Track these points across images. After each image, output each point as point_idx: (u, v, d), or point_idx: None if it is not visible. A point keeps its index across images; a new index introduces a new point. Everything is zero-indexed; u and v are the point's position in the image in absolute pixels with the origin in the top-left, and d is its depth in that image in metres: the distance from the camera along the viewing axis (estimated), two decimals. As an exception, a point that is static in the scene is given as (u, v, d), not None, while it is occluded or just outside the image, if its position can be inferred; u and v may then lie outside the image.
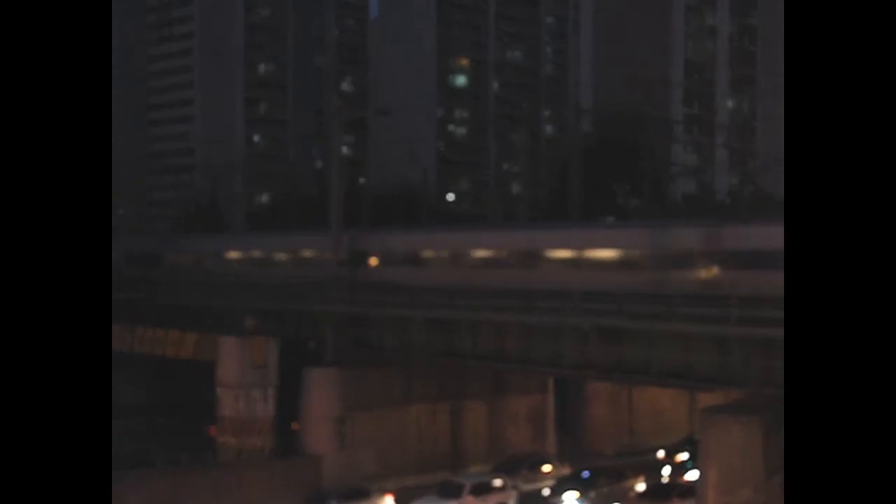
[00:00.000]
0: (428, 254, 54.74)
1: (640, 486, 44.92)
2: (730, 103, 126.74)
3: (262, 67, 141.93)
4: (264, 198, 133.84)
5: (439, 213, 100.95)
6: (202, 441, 50.81)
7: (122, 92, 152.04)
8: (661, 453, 52.80)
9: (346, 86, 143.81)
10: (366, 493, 44.38)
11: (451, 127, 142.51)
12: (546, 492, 46.91)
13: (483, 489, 44.15)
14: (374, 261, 56.31)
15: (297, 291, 53.65)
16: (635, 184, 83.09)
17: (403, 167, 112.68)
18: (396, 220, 75.64)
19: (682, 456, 51.39)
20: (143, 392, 62.62)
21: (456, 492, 43.67)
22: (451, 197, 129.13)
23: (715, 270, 41.88)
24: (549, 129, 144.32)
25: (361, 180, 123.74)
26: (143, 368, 61.96)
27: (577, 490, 45.02)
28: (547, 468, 49.68)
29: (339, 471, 47.82)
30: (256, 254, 67.54)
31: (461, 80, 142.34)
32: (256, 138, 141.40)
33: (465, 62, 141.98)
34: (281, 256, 64.92)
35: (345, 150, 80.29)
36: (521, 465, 48.51)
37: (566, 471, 49.02)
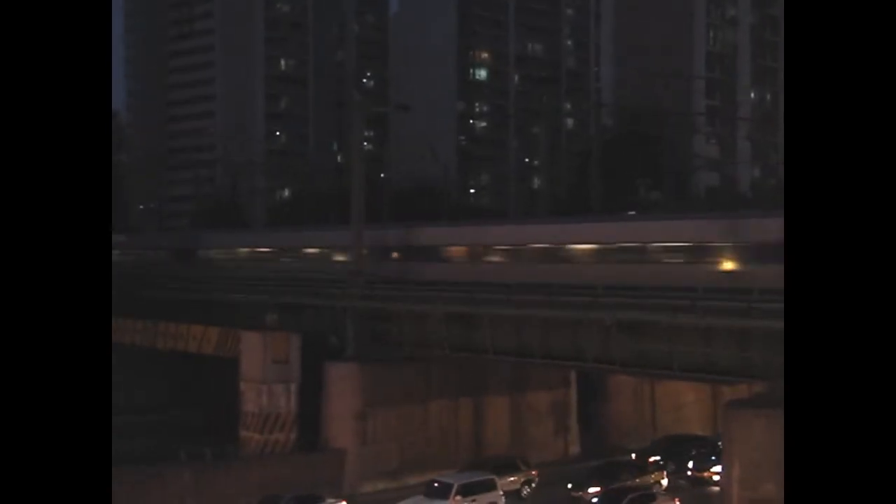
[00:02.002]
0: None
1: (594, 490, 44.13)
2: (752, 95, 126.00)
3: (282, 63, 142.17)
4: (285, 193, 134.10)
5: (461, 208, 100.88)
6: (226, 436, 50.96)
7: (142, 88, 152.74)
8: (632, 456, 51.41)
9: (366, 81, 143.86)
10: (319, 499, 42.88)
11: (471, 121, 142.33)
12: (525, 492, 46.76)
13: (471, 489, 43.01)
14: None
15: (318, 286, 53.81)
16: (657, 177, 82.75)
17: (424, 162, 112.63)
18: (417, 215, 75.58)
19: (653, 458, 50.15)
20: (166, 387, 62.89)
21: (443, 492, 42.59)
22: (473, 191, 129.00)
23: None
24: (569, 122, 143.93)
25: (382, 175, 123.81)
26: (166, 363, 62.24)
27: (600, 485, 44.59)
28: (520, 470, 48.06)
29: (360, 466, 47.91)
30: (284, 249, 67.64)
31: (481, 74, 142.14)
32: (277, 133, 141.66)
33: (485, 56, 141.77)
34: (308, 251, 65.05)
35: (365, 145, 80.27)
36: (488, 466, 46.67)
37: (532, 474, 47.85)
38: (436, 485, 43.41)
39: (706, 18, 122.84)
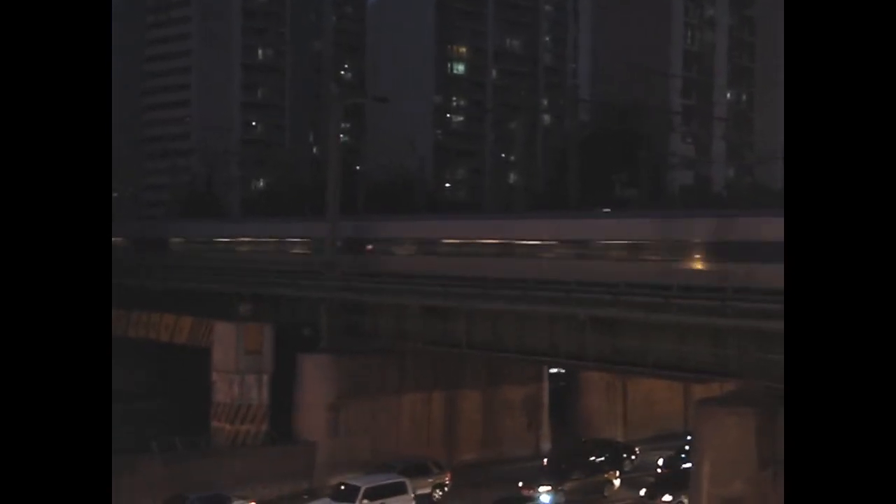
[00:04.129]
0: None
1: (544, 488, 43.71)
2: (728, 95, 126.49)
3: (259, 53, 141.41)
4: (261, 183, 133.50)
5: (436, 202, 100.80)
6: (197, 426, 50.72)
7: (118, 76, 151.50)
8: (544, 462, 50.25)
9: (344, 72, 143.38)
10: (227, 499, 41.97)
11: (448, 115, 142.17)
12: (437, 495, 45.86)
13: (379, 492, 42.02)
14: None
15: (292, 277, 53.63)
16: (633, 174, 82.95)
17: (400, 154, 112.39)
18: (393, 208, 75.48)
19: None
20: (137, 376, 62.50)
21: (350, 495, 41.51)
22: (448, 185, 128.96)
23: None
24: (546, 118, 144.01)
25: (358, 167, 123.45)
26: (138, 353, 61.85)
27: (551, 483, 44.39)
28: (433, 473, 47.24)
29: (332, 457, 47.82)
30: (260, 239, 67.37)
31: (459, 68, 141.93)
32: (253, 124, 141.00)
33: (463, 50, 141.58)
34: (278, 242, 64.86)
35: (342, 136, 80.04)
36: (397, 468, 45.68)
37: (445, 478, 46.95)
38: (342, 487, 42.33)
39: (684, 18, 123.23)
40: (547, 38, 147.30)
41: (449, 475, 47.26)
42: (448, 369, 51.66)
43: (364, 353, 49.55)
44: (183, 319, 57.54)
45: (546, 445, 55.64)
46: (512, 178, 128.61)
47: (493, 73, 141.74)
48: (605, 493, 46.57)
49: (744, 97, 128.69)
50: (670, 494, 43.34)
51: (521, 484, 44.73)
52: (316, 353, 49.89)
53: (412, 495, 43.27)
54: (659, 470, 49.28)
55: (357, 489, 41.77)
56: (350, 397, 48.81)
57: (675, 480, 44.16)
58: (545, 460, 49.14)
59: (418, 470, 46.29)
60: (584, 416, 58.68)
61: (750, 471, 35.23)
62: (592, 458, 48.69)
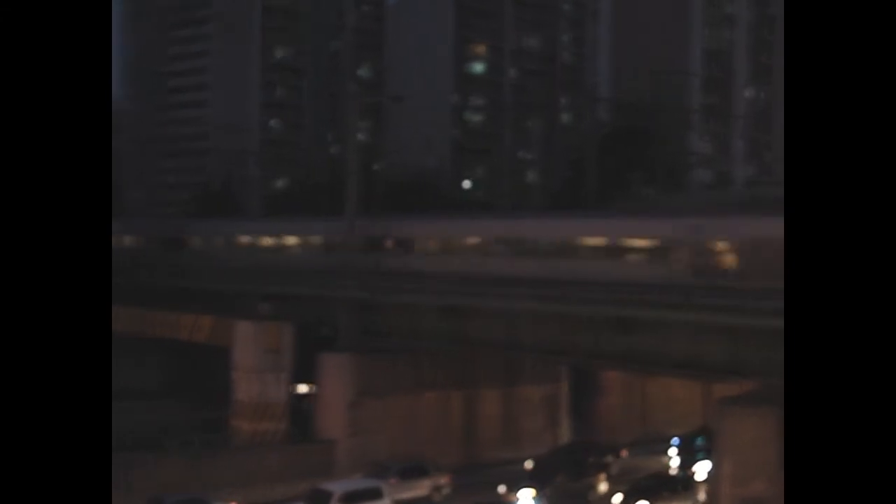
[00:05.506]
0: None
1: (526, 491, 42.80)
2: (748, 93, 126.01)
3: (278, 52, 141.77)
4: (279, 183, 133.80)
5: (454, 201, 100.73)
6: (216, 424, 50.88)
7: (137, 75, 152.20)
8: (527, 464, 48.54)
9: (362, 71, 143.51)
10: (205, 502, 41.27)
11: (466, 114, 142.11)
12: (437, 498, 45.23)
13: (354, 498, 40.95)
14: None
15: (311, 277, 53.74)
16: (651, 173, 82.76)
17: (419, 153, 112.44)
18: (411, 207, 75.50)
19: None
20: (156, 375, 62.76)
21: (323, 500, 40.63)
22: (467, 184, 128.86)
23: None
24: (565, 117, 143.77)
25: (376, 166, 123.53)
26: (158, 351, 62.12)
27: (534, 487, 43.68)
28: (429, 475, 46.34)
29: (350, 456, 47.90)
30: (277, 239, 67.53)
31: (478, 67, 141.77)
32: (272, 123, 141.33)
33: (481, 49, 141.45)
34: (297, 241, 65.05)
35: (360, 135, 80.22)
36: (390, 473, 44.67)
37: (444, 480, 46.26)
38: (316, 493, 41.43)
39: (703, 16, 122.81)
40: (565, 37, 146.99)
41: (448, 477, 46.48)
42: (466, 368, 51.67)
43: (383, 353, 49.62)
44: (203, 318, 57.74)
45: (565, 444, 55.48)
46: (530, 176, 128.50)
47: (512, 71, 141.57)
48: (589, 498, 45.59)
49: (763, 95, 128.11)
50: (532, 487, 42.66)
51: (502, 488, 43.92)
52: (335, 351, 49.97)
53: (389, 501, 42.19)
54: (672, 471, 48.99)
55: (330, 494, 40.82)
56: (369, 396, 48.88)
57: (652, 486, 43.10)
58: (529, 463, 47.65)
59: (416, 471, 45.65)
60: (603, 415, 58.58)
61: (770, 471, 35.09)
62: (579, 461, 47.51)
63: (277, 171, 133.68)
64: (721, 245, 40.06)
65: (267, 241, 67.63)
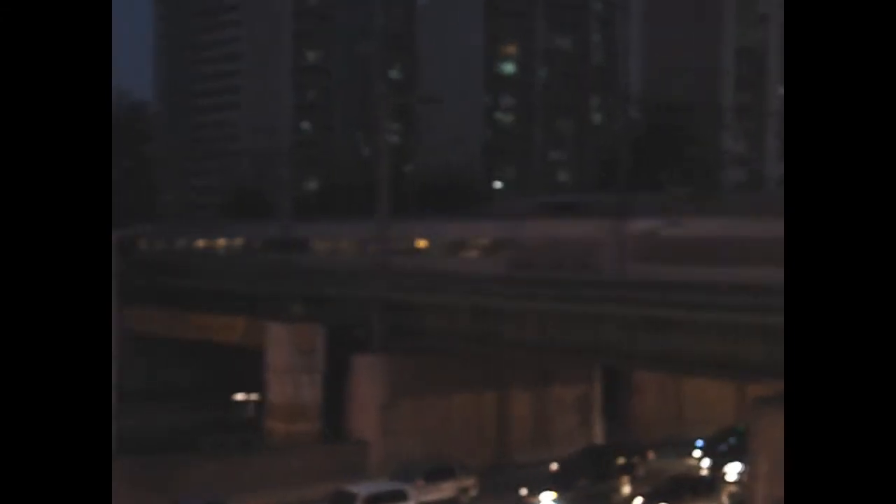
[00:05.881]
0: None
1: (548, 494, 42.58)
2: (781, 91, 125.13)
3: (309, 54, 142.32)
4: (311, 184, 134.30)
5: (484, 201, 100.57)
6: (250, 425, 51.16)
7: (169, 79, 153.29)
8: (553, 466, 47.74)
9: (392, 73, 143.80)
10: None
11: (497, 114, 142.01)
12: (463, 500, 44.95)
13: (378, 499, 40.79)
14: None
15: (343, 278, 53.91)
16: (684, 172, 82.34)
17: (450, 155, 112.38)
18: (442, 208, 75.47)
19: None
20: (190, 375, 63.14)
21: (348, 502, 40.43)
22: (498, 185, 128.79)
23: None
24: (596, 117, 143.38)
25: (407, 168, 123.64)
26: (191, 353, 62.50)
27: (556, 490, 43.32)
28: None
29: (384, 457, 47.95)
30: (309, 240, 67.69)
31: (508, 68, 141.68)
32: (303, 125, 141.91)
33: (512, 49, 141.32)
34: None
35: (391, 137, 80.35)
36: (416, 475, 44.45)
37: (470, 481, 45.88)
38: (341, 495, 41.24)
39: (735, 14, 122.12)
40: (597, 37, 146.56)
41: (474, 479, 46.22)
42: (499, 369, 51.61)
43: (415, 354, 49.65)
44: (236, 320, 58.03)
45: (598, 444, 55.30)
46: (561, 177, 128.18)
47: (542, 72, 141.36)
48: (612, 500, 45.13)
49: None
50: (553, 490, 42.31)
51: (524, 491, 43.65)
52: (368, 352, 50.06)
53: (414, 503, 42.06)
54: (702, 472, 48.61)
55: (354, 496, 40.66)
56: (402, 397, 48.92)
57: (673, 489, 42.63)
58: (555, 465, 47.19)
59: (442, 473, 45.42)
60: (638, 416, 58.32)
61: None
62: (604, 463, 47.20)
63: (308, 173, 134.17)
64: (534, 243, 47.38)
65: (300, 241, 67.94)
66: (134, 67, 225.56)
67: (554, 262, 46.00)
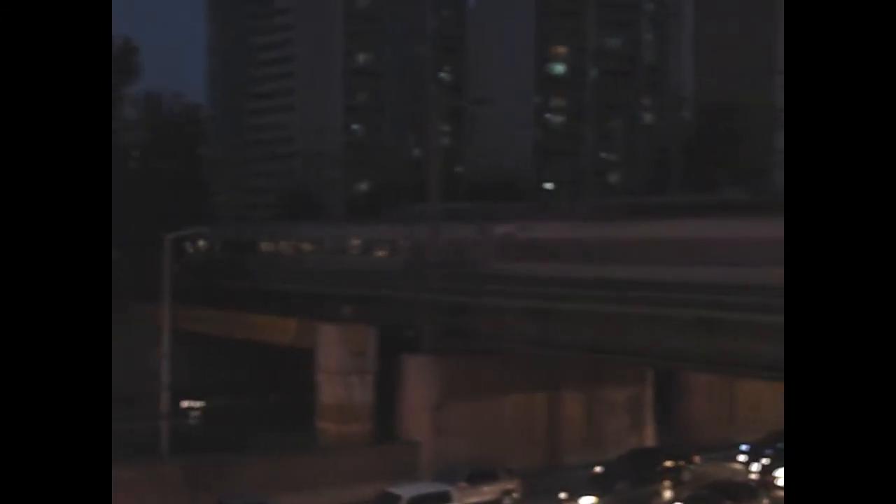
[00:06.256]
0: None
1: (588, 499, 42.20)
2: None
3: (360, 56, 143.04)
4: (362, 185, 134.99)
5: (535, 202, 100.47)
6: (301, 426, 51.52)
7: (223, 82, 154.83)
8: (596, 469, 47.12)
9: (443, 74, 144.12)
10: None
11: (548, 115, 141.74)
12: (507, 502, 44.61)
13: (422, 501, 40.64)
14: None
15: (395, 279, 54.14)
16: (737, 173, 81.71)
17: (500, 155, 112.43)
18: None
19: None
20: (240, 375, 63.71)
21: None
22: (549, 186, 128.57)
23: None
24: (648, 117, 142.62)
25: (458, 168, 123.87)
26: (244, 353, 63.05)
27: (596, 494, 43.02)
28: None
29: (435, 458, 48.09)
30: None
31: (559, 68, 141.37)
32: (355, 126, 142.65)
33: (562, 50, 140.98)
34: None
35: (441, 138, 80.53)
36: (459, 477, 44.20)
37: (513, 484, 45.48)
38: (385, 496, 41.09)
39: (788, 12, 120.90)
40: (648, 36, 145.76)
41: (518, 481, 45.91)
42: (550, 370, 51.55)
43: (467, 355, 49.74)
44: (287, 321, 58.49)
45: (650, 446, 55.03)
46: (612, 177, 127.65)
47: (593, 72, 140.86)
48: None
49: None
50: (593, 495, 41.74)
51: (563, 494, 43.41)
52: (420, 353, 50.24)
53: None
54: (751, 476, 48.07)
55: (398, 498, 40.53)
56: (453, 398, 49.03)
57: (711, 495, 41.90)
58: (597, 469, 46.77)
59: (486, 475, 45.19)
60: (689, 418, 57.98)
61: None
62: (647, 467, 46.83)
63: (359, 174, 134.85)
64: (426, 245, 51.14)
65: (353, 243, 68.35)
66: (188, 70, 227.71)
67: (443, 260, 50.92)
